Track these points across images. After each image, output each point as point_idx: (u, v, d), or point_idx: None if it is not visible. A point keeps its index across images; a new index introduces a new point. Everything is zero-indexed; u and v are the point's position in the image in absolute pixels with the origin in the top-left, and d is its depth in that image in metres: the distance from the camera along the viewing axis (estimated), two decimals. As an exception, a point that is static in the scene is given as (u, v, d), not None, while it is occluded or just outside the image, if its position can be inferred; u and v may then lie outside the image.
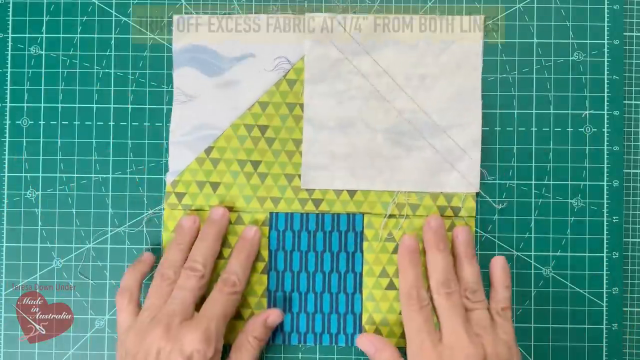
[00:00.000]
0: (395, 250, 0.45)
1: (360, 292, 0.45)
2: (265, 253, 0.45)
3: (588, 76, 0.46)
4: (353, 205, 0.45)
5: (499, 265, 0.44)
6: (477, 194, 0.46)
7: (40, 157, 0.46)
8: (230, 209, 0.45)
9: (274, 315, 0.44)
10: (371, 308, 0.45)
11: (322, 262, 0.45)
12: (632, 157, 0.47)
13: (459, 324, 0.40)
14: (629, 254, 0.46)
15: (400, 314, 0.44)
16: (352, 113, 0.46)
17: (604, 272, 0.46)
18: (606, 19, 0.46)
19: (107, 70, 0.47)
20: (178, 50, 0.46)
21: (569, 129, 0.46)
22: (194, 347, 0.39)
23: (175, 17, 0.46)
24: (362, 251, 0.45)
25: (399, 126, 0.45)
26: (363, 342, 0.43)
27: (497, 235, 0.46)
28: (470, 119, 0.46)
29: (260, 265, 0.45)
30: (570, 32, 0.46)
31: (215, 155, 0.46)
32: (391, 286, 0.45)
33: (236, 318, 0.45)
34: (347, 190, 0.46)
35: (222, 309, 0.42)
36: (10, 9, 0.47)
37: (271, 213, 0.46)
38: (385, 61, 0.46)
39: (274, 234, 0.46)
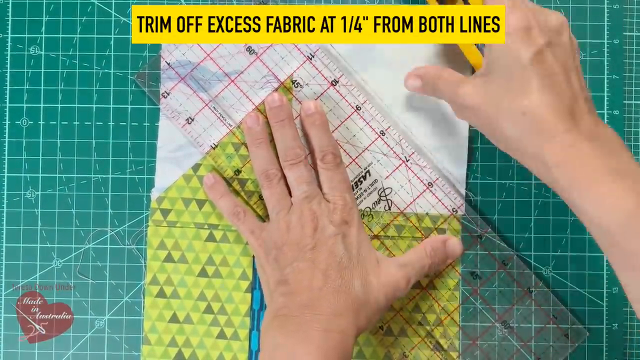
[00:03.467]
0: None
1: None
2: (249, 271, 0.45)
3: (588, 76, 0.46)
4: None
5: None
6: (463, 217, 0.45)
7: (40, 157, 0.46)
8: (216, 226, 0.45)
9: (454, 243, 0.44)
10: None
11: None
12: (632, 156, 0.47)
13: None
14: (629, 253, 0.46)
15: (384, 334, 0.45)
16: (335, 133, 0.45)
17: (604, 272, 0.46)
18: (606, 19, 0.46)
19: (106, 70, 0.47)
20: (165, 66, 0.46)
21: (569, 129, 0.46)
22: (340, 215, 0.41)
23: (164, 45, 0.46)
24: None
25: (382, 148, 0.45)
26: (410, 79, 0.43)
27: (497, 235, 0.46)
28: (456, 140, 0.45)
29: (244, 284, 0.45)
30: (570, 32, 0.46)
31: (203, 173, 0.45)
32: None
33: (219, 337, 0.45)
34: None
35: (341, 181, 0.43)
36: (10, 9, 0.47)
37: None
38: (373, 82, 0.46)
39: None
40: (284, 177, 0.43)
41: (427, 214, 0.45)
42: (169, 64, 0.45)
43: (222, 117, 0.45)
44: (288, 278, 0.40)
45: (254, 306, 0.45)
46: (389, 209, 0.45)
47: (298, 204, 0.42)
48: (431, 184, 0.45)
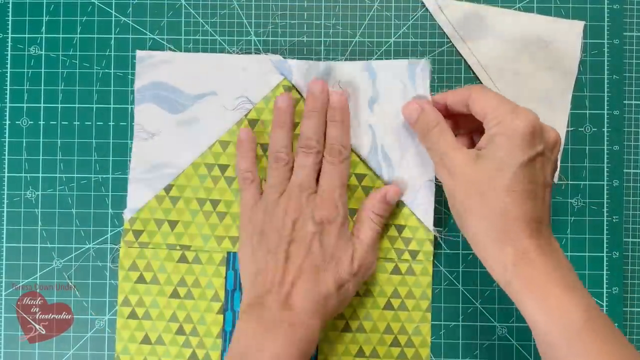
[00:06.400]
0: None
1: None
2: (221, 293, 0.45)
3: (588, 76, 0.46)
4: None
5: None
6: (435, 238, 0.45)
7: (40, 157, 0.46)
8: (188, 248, 0.45)
9: (392, 191, 0.44)
10: (327, 350, 0.45)
11: None
12: (632, 156, 0.47)
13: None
14: (629, 253, 0.46)
15: (355, 356, 0.45)
16: None
17: (604, 272, 0.46)
18: (606, 19, 0.46)
19: (107, 70, 0.47)
20: (140, 86, 0.45)
21: (569, 129, 0.46)
22: (324, 214, 0.41)
23: (139, 53, 0.46)
24: None
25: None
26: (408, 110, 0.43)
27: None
28: (555, 123, 0.45)
29: (216, 306, 0.45)
30: (570, 32, 0.46)
31: (175, 194, 0.45)
32: (347, 329, 0.45)
33: (191, 359, 0.44)
34: None
35: (339, 178, 0.43)
36: (10, 9, 0.47)
37: (229, 252, 0.45)
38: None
39: (230, 274, 0.45)
40: (292, 167, 0.43)
41: (399, 236, 0.45)
42: (142, 84, 0.45)
43: (195, 137, 0.45)
44: (266, 268, 0.41)
45: (225, 328, 0.45)
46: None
47: (290, 191, 0.42)
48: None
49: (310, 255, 0.41)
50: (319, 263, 0.41)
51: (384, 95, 0.45)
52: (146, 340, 0.45)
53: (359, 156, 0.45)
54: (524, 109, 0.38)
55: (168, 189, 0.45)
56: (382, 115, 0.45)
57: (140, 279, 0.45)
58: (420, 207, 0.45)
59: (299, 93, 0.45)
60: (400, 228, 0.45)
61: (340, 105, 0.44)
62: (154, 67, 0.46)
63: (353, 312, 0.45)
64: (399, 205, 0.45)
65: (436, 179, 0.44)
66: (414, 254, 0.45)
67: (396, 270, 0.45)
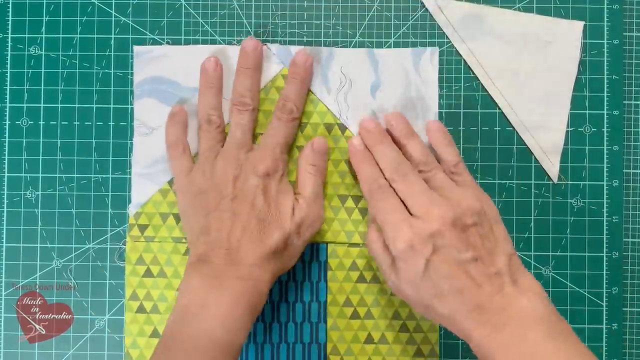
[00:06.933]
0: (359, 280, 0.45)
1: (325, 321, 0.45)
2: None
3: (588, 76, 0.46)
4: (316, 235, 0.45)
5: (433, 128, 0.44)
6: None
7: (40, 157, 0.46)
8: None
9: (317, 140, 0.44)
10: (335, 338, 0.45)
11: (287, 292, 0.45)
12: (632, 157, 0.47)
13: (420, 195, 0.40)
14: (629, 254, 0.46)
15: (364, 342, 0.44)
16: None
17: (604, 272, 0.46)
18: (606, 19, 0.46)
19: (107, 70, 0.47)
20: (138, 81, 0.46)
21: (569, 129, 0.46)
22: (267, 166, 0.41)
23: (136, 48, 0.46)
24: (326, 280, 0.45)
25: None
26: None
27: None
28: (555, 123, 0.45)
29: None
30: (570, 32, 0.46)
31: None
32: (355, 315, 0.45)
33: None
34: None
35: (284, 136, 0.43)
36: (10, 9, 0.47)
37: None
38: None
39: None
40: (224, 129, 0.44)
41: None
42: (141, 79, 0.46)
43: (195, 129, 0.45)
44: (210, 226, 0.40)
45: None
46: None
47: (227, 149, 0.42)
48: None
49: (254, 210, 0.40)
50: (264, 217, 0.40)
51: (387, 82, 0.45)
52: (155, 333, 0.45)
53: None
54: (401, 224, 0.38)
55: (172, 182, 0.45)
56: (385, 102, 0.45)
57: (148, 273, 0.45)
58: None
59: None
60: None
61: (303, 65, 0.44)
62: (152, 62, 0.46)
63: (360, 299, 0.45)
64: None
65: None
66: None
67: None
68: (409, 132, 0.43)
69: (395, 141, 0.43)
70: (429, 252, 0.37)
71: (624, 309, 0.46)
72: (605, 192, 0.46)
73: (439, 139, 0.43)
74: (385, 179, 0.42)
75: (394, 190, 0.41)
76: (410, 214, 0.39)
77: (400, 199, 0.40)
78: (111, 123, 0.46)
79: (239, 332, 0.37)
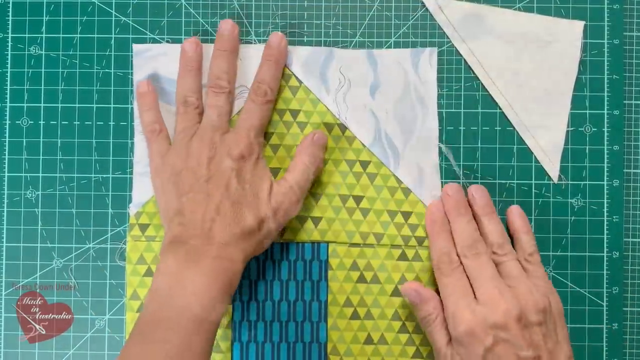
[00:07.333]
0: (359, 280, 0.45)
1: (325, 320, 0.45)
2: None
3: (588, 76, 0.46)
4: (317, 234, 0.45)
5: (515, 213, 0.44)
6: None
7: (40, 157, 0.46)
8: None
9: (319, 133, 0.44)
10: (335, 338, 0.45)
11: (287, 291, 0.45)
12: (632, 156, 0.47)
13: (489, 281, 0.40)
14: (629, 253, 0.46)
15: (364, 343, 0.44)
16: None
17: (604, 272, 0.46)
18: (606, 19, 0.46)
19: (107, 70, 0.47)
20: (138, 80, 0.46)
21: (569, 129, 0.46)
22: (241, 149, 0.41)
23: (135, 47, 0.46)
24: (326, 279, 0.45)
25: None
26: (408, 291, 0.43)
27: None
28: (555, 123, 0.45)
29: None
30: (570, 32, 0.46)
31: None
32: (355, 316, 0.45)
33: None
34: (311, 218, 0.45)
35: (259, 119, 0.43)
36: (10, 9, 0.47)
37: None
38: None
39: None
40: (202, 112, 0.44)
41: (405, 223, 0.45)
42: (140, 78, 0.46)
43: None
44: (184, 208, 0.40)
45: (235, 318, 0.45)
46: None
47: (202, 131, 0.42)
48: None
49: (228, 192, 0.40)
50: (238, 199, 0.40)
51: (386, 82, 0.45)
52: None
53: (362, 143, 0.45)
54: (464, 307, 0.40)
55: None
56: (384, 102, 0.45)
57: (148, 273, 0.45)
58: (426, 193, 0.45)
59: (297, 80, 0.45)
60: (406, 215, 0.45)
61: (277, 46, 0.44)
62: (152, 60, 0.46)
63: (360, 299, 0.45)
64: (405, 192, 0.45)
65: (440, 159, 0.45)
66: (420, 240, 0.45)
67: (403, 257, 0.45)
68: (490, 209, 0.44)
69: (473, 212, 0.44)
70: (490, 342, 0.38)
71: (625, 308, 0.46)
72: (605, 192, 0.46)
73: (518, 224, 0.44)
74: (457, 252, 0.42)
75: (463, 264, 0.42)
76: (475, 295, 0.40)
77: (467, 275, 0.41)
78: (111, 123, 0.46)
79: (215, 309, 0.38)
